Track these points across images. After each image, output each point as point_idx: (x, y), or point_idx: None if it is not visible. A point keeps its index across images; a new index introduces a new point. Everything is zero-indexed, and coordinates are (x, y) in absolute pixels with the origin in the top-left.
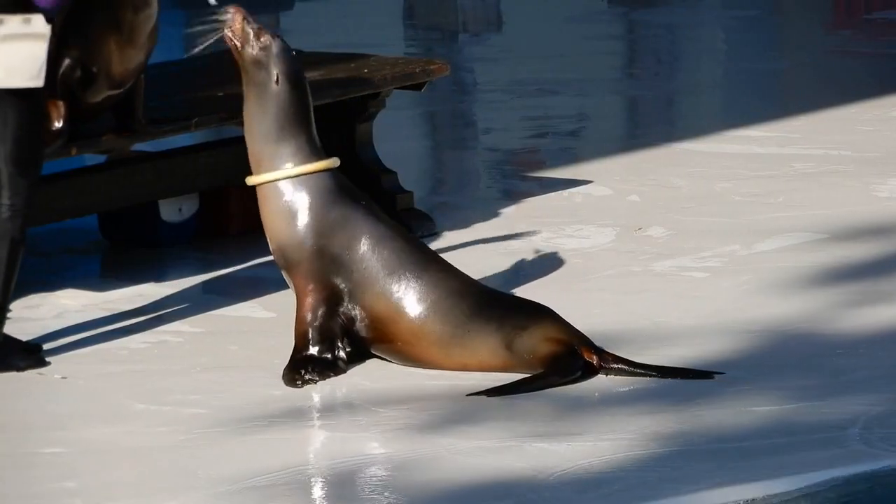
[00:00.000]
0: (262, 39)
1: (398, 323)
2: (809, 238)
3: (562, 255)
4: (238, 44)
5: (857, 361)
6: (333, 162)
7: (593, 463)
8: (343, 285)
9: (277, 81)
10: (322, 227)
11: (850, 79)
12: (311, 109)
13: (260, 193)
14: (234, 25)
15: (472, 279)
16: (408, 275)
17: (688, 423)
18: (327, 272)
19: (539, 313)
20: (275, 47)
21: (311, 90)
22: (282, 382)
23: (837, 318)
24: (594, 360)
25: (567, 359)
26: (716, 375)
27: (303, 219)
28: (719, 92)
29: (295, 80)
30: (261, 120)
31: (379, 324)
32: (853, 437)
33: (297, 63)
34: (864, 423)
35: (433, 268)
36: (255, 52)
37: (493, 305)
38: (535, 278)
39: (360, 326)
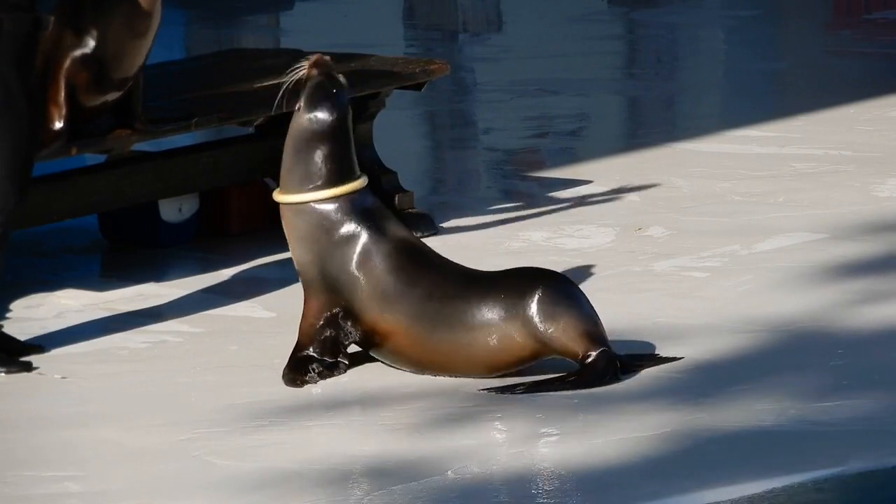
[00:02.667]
0: (311, 74)
1: (405, 335)
2: (809, 238)
3: (562, 255)
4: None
5: (857, 361)
6: (358, 184)
7: (595, 462)
8: (351, 302)
9: (298, 109)
10: (329, 248)
11: (850, 79)
12: (347, 138)
13: (282, 212)
14: (310, 67)
15: (482, 274)
16: (415, 285)
17: (688, 422)
18: (335, 290)
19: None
20: (312, 81)
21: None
22: (282, 382)
23: (837, 318)
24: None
25: (604, 369)
26: (678, 359)
27: (312, 240)
28: (719, 92)
29: (319, 110)
30: (287, 142)
31: (385, 338)
32: (853, 437)
33: (328, 96)
34: (864, 422)
35: (446, 271)
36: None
37: (497, 290)
38: None
39: (365, 339)
